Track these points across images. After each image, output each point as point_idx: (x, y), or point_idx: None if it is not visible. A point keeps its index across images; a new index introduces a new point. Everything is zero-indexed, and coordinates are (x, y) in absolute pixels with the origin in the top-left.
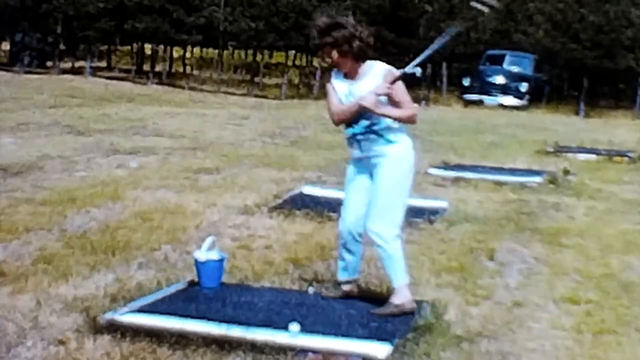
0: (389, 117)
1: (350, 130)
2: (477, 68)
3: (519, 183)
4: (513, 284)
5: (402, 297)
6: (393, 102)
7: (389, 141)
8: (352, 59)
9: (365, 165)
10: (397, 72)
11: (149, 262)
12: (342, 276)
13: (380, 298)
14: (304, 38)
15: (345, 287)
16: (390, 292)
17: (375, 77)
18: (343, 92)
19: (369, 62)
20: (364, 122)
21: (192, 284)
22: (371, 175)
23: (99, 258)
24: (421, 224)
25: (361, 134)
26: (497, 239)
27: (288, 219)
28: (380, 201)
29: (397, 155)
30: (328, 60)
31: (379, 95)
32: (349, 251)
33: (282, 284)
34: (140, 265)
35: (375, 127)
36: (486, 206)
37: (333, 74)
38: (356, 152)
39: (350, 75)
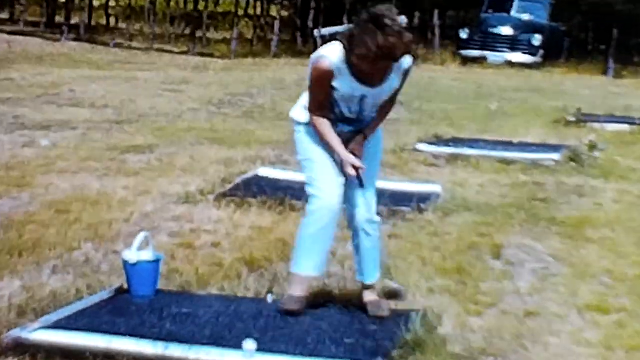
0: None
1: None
2: (477, 16)
3: (532, 161)
4: (525, 288)
5: (376, 296)
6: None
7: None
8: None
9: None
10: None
11: (65, 265)
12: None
13: (354, 304)
14: None
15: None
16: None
17: (399, 76)
18: (352, 93)
19: None
20: (352, 125)
21: (120, 291)
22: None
23: (1, 261)
24: (409, 214)
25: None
26: (505, 232)
27: (240, 209)
28: (373, 184)
29: (381, 128)
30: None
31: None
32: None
33: (234, 290)
34: (54, 269)
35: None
36: (490, 191)
37: (332, 64)
38: (341, 129)
39: (374, 76)
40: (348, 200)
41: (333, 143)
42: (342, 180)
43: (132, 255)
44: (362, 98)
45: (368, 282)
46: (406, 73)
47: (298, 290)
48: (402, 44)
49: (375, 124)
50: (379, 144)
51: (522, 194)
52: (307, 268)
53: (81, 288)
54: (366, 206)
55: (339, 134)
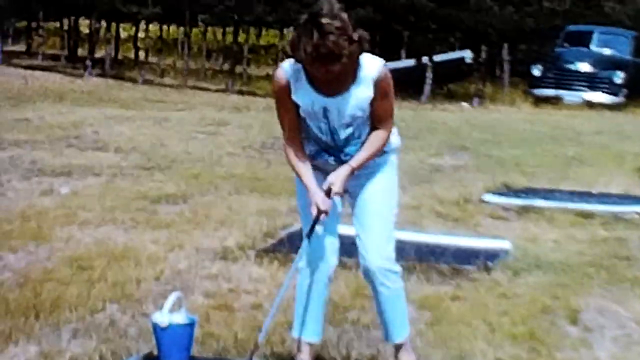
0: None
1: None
2: (552, 51)
3: (614, 214)
4: (605, 357)
5: (413, 355)
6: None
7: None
8: (352, 65)
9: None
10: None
11: (87, 328)
12: (311, 337)
13: None
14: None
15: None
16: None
17: (367, 86)
18: (312, 105)
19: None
20: (334, 155)
21: (149, 358)
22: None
23: (16, 323)
24: (474, 273)
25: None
26: (582, 294)
27: (284, 266)
28: (382, 221)
29: (393, 154)
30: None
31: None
32: (321, 296)
33: (278, 358)
34: (75, 332)
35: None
36: (566, 247)
37: (289, 75)
38: (325, 160)
39: (330, 83)
40: (357, 249)
41: (303, 176)
42: (334, 229)
43: (163, 317)
44: (325, 111)
45: (397, 342)
46: (379, 84)
47: (301, 355)
48: (346, 42)
49: (365, 156)
50: (385, 179)
51: (602, 251)
52: (299, 331)
53: (105, 354)
54: (380, 254)
55: (324, 166)
